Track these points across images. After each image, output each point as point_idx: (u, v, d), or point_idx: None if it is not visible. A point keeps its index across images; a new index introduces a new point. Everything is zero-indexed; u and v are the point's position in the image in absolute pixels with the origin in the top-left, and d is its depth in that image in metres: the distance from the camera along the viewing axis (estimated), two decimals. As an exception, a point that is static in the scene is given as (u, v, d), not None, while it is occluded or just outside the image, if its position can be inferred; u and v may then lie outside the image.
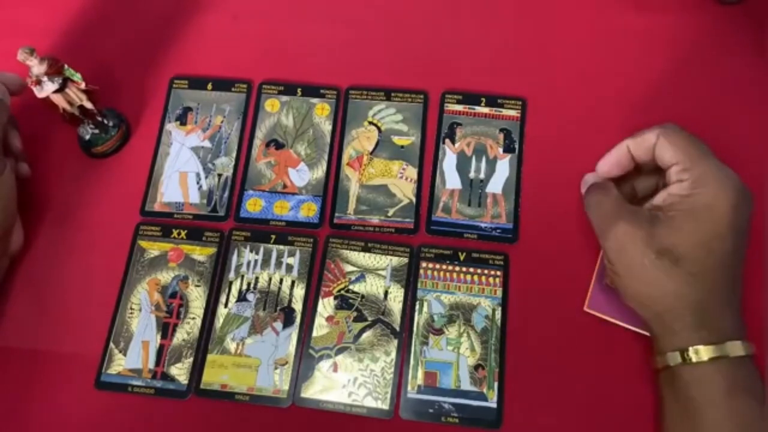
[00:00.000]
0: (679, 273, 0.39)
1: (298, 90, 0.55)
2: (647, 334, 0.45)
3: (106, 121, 0.52)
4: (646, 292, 0.41)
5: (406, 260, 0.49)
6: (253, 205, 0.52)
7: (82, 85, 0.48)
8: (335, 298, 0.48)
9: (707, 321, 0.39)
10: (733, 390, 0.39)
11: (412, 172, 0.52)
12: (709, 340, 0.39)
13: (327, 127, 0.54)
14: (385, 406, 0.45)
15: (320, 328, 0.48)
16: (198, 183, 0.53)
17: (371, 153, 0.53)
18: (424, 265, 0.49)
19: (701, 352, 0.39)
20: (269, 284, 0.49)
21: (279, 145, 0.53)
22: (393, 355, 0.47)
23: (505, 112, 0.53)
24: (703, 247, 0.39)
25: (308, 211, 0.51)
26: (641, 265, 0.40)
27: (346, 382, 0.46)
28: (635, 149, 0.44)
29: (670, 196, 0.41)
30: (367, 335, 0.47)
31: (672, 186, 0.41)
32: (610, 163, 0.45)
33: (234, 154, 0.53)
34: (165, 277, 0.50)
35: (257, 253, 0.50)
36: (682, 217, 0.40)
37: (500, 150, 0.52)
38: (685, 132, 0.42)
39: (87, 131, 0.52)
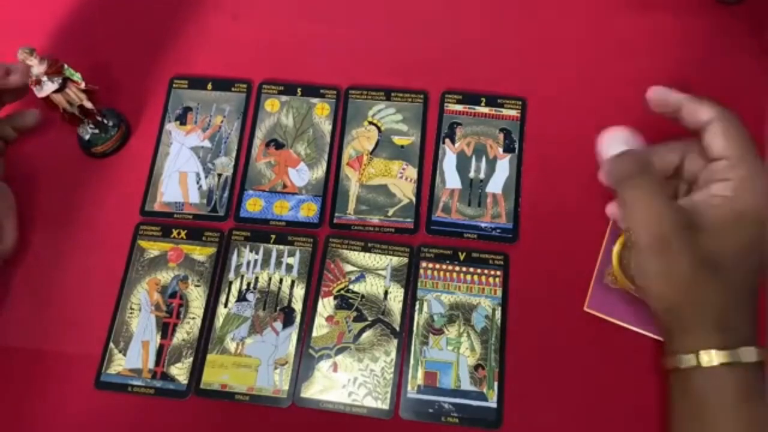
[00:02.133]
0: (716, 281, 0.38)
1: (298, 90, 0.55)
2: (647, 333, 0.45)
3: (106, 121, 0.52)
4: (677, 295, 0.39)
5: (406, 260, 0.49)
6: (253, 205, 0.52)
7: (82, 85, 0.48)
8: (335, 297, 0.48)
9: (725, 325, 0.39)
10: (744, 395, 0.38)
11: (412, 172, 0.52)
12: (724, 344, 0.38)
13: (327, 127, 0.54)
14: (385, 406, 0.45)
15: (320, 328, 0.48)
16: (198, 183, 0.53)
17: (371, 153, 0.53)
18: (424, 265, 0.49)
19: (714, 356, 0.38)
20: (269, 284, 0.49)
21: (279, 145, 0.53)
22: (393, 354, 0.47)
23: (505, 112, 0.53)
24: (743, 255, 0.38)
25: (308, 211, 0.51)
26: (682, 270, 0.38)
27: (346, 382, 0.46)
28: (686, 109, 0.40)
29: (713, 198, 0.39)
30: (367, 335, 0.47)
31: (715, 185, 0.39)
32: (668, 96, 0.41)
33: (234, 154, 0.53)
34: (165, 277, 0.50)
35: (257, 253, 0.50)
36: (725, 222, 0.38)
37: (500, 150, 0.52)
38: (741, 124, 0.39)
39: (87, 131, 0.52)
